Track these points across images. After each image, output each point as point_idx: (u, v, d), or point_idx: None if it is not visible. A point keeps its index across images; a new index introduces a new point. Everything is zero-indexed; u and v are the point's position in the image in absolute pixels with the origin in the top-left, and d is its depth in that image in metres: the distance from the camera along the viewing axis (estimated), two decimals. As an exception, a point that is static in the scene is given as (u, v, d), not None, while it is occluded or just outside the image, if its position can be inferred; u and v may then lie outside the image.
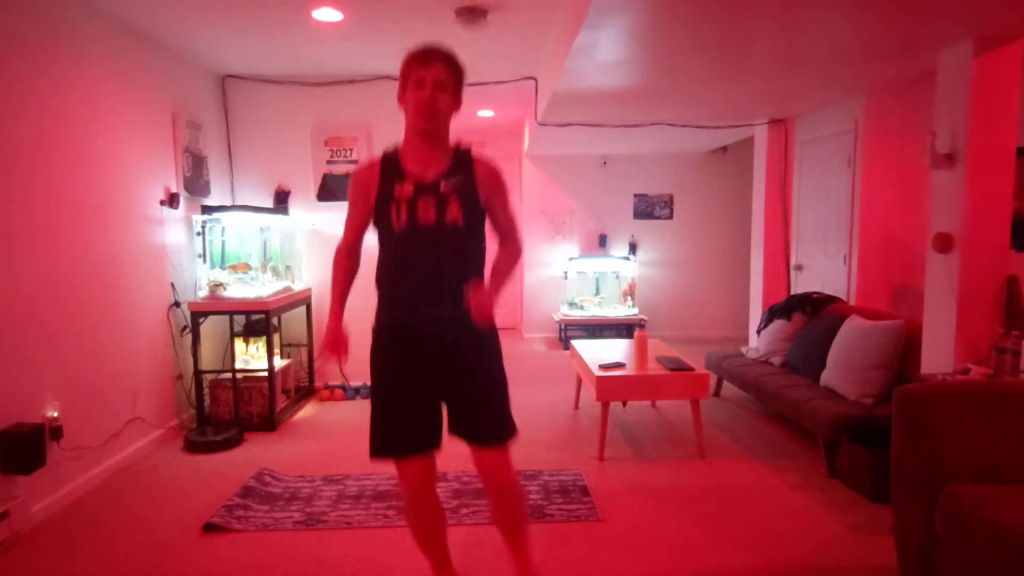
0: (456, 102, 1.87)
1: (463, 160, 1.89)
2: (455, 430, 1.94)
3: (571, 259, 6.99)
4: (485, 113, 6.09)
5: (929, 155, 3.15)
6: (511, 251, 1.99)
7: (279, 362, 4.35)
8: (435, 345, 1.87)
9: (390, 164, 1.87)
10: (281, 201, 4.77)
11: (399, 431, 1.90)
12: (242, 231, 4.43)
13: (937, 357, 3.23)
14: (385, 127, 4.75)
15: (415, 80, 1.79)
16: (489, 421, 1.92)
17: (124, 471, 3.34)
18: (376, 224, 1.89)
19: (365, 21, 3.53)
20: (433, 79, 1.78)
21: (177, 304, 3.97)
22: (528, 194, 7.11)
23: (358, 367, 4.93)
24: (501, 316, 7.80)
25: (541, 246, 7.16)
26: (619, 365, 3.63)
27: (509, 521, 2.03)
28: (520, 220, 6.90)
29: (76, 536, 2.65)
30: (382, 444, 1.92)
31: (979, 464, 1.99)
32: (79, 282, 3.10)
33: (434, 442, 1.93)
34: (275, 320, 4.31)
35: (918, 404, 2.07)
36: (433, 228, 1.82)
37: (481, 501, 2.88)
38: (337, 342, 1.96)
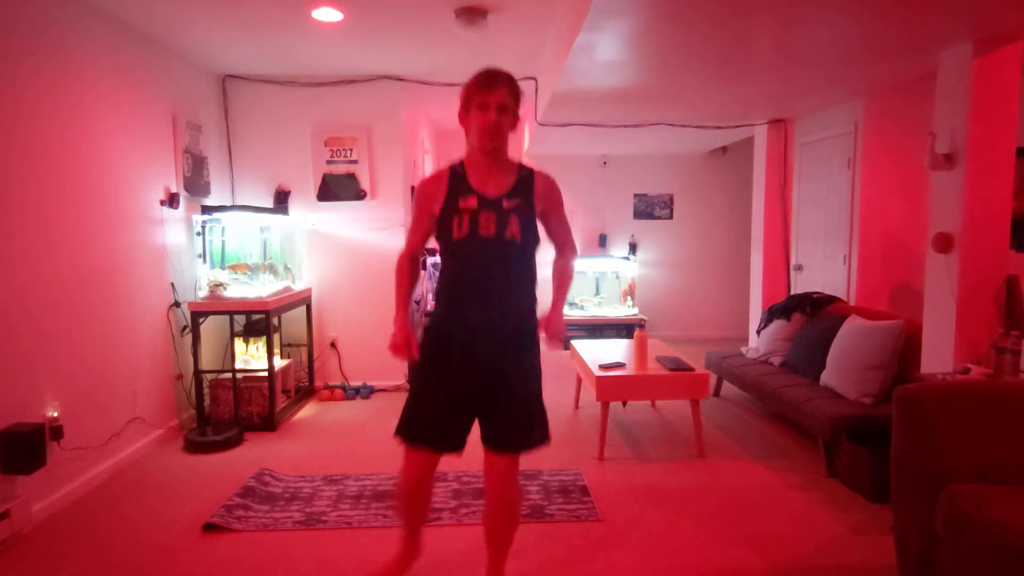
0: (516, 122, 2.01)
1: (525, 179, 2.02)
2: (486, 437, 2.02)
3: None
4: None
5: (929, 156, 3.16)
6: (569, 256, 2.19)
7: (279, 362, 4.35)
8: (483, 351, 1.96)
9: (456, 177, 2.00)
10: (281, 201, 4.77)
11: (428, 424, 2.01)
12: (242, 231, 4.43)
13: (937, 357, 3.23)
14: (385, 127, 4.75)
15: (479, 103, 1.92)
16: (520, 428, 2.00)
17: (124, 471, 3.34)
18: (439, 233, 2.00)
19: (365, 21, 3.53)
20: (497, 103, 1.91)
21: (177, 304, 3.97)
22: (528, 194, 7.10)
23: (358, 367, 4.94)
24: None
25: (541, 246, 7.15)
26: (619, 365, 3.63)
27: (504, 528, 2.10)
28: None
29: (76, 536, 2.65)
30: (408, 429, 2.03)
31: (979, 464, 2.00)
32: (79, 282, 3.11)
33: (454, 445, 2.02)
34: (275, 320, 4.32)
35: (918, 404, 2.07)
36: (492, 241, 1.94)
37: (480, 501, 2.88)
38: (407, 340, 2.03)
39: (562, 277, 2.16)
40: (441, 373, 1.99)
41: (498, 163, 2.00)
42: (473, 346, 1.96)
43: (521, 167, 2.05)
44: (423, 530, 2.25)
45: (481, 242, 1.93)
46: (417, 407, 2.02)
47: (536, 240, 2.03)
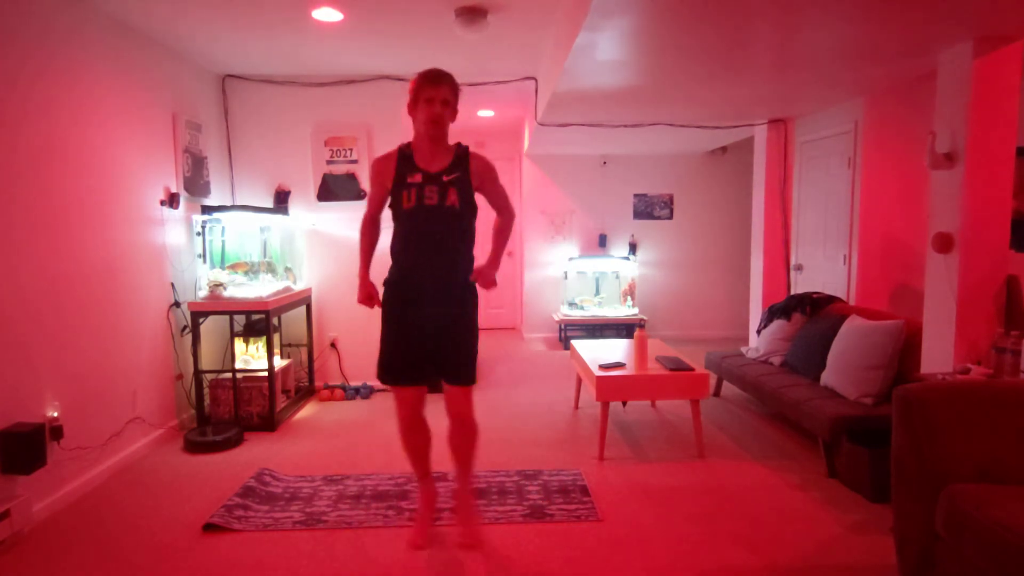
0: (454, 114, 2.44)
1: (462, 157, 2.44)
2: (439, 371, 2.45)
3: (571, 259, 6.99)
4: (485, 113, 6.10)
5: (929, 156, 3.15)
6: (507, 217, 2.58)
7: (279, 362, 4.35)
8: (430, 295, 2.41)
9: (404, 157, 2.42)
10: (281, 201, 4.77)
11: (397, 362, 2.45)
12: (242, 231, 4.43)
13: (937, 357, 3.23)
14: (385, 127, 4.75)
15: (426, 98, 2.34)
16: (464, 366, 2.44)
17: (124, 471, 3.34)
18: (391, 204, 2.43)
19: (365, 21, 3.53)
20: (441, 98, 2.34)
21: (177, 304, 3.97)
22: (528, 194, 7.11)
23: (358, 367, 4.94)
24: (501, 316, 7.80)
25: (541, 246, 7.16)
26: (619, 365, 3.63)
27: (463, 446, 2.54)
28: (520, 234, 7.11)
29: (76, 536, 2.65)
30: (384, 371, 2.47)
31: (979, 464, 2.00)
32: (79, 282, 3.11)
33: (423, 377, 2.47)
34: (275, 320, 4.32)
35: (918, 404, 2.07)
36: (435, 209, 2.35)
37: (481, 501, 2.89)
38: (370, 294, 2.52)
39: (499, 233, 2.57)
40: (399, 320, 2.43)
41: (440, 146, 2.42)
42: (421, 296, 2.40)
43: (459, 146, 2.46)
44: (431, 469, 2.66)
45: (426, 210, 2.35)
46: (386, 352, 2.46)
47: (472, 208, 2.44)
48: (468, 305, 2.46)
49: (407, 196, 2.35)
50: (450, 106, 2.38)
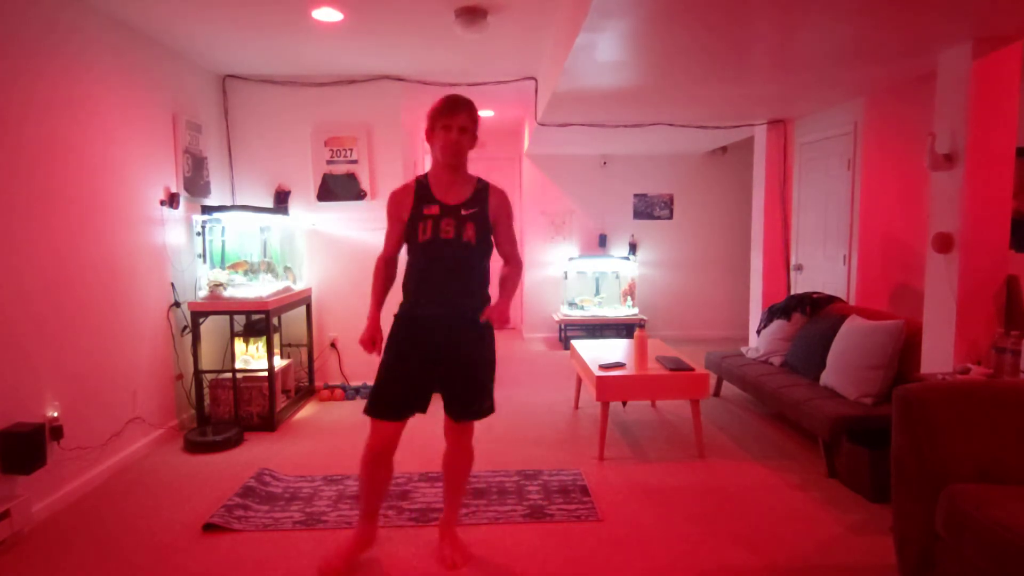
0: (473, 141, 2.31)
1: (481, 191, 2.34)
2: (447, 406, 2.36)
3: (571, 259, 6.99)
4: (485, 113, 6.10)
5: (929, 156, 3.16)
6: (514, 267, 2.43)
7: (279, 362, 4.35)
8: (442, 332, 2.30)
9: (422, 188, 2.33)
10: (281, 201, 4.77)
11: (391, 398, 2.29)
12: (242, 231, 4.43)
13: (937, 357, 3.23)
14: (385, 127, 4.75)
15: (443, 125, 2.25)
16: (475, 403, 2.35)
17: (124, 471, 3.34)
18: (407, 236, 2.32)
19: (365, 21, 3.53)
20: (459, 125, 2.24)
21: (177, 304, 3.97)
22: (528, 194, 7.11)
23: (358, 367, 4.94)
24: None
25: (541, 246, 7.16)
26: (619, 365, 3.63)
27: (458, 471, 2.46)
28: (520, 234, 7.02)
29: (76, 536, 2.65)
30: (375, 403, 2.30)
31: (979, 464, 2.00)
32: (79, 282, 3.11)
33: (411, 413, 2.32)
34: (275, 320, 4.32)
35: (918, 404, 2.07)
36: (451, 243, 2.26)
37: (481, 501, 2.89)
38: (373, 337, 2.39)
39: (505, 282, 2.40)
40: (405, 355, 2.30)
41: (458, 176, 2.33)
42: (433, 331, 2.29)
43: (479, 181, 2.37)
44: (378, 514, 2.49)
45: (442, 243, 2.26)
46: (385, 386, 2.29)
47: (489, 246, 2.35)
48: (483, 337, 2.36)
49: (423, 228, 2.26)
50: (468, 133, 2.27)
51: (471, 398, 2.34)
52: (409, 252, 2.34)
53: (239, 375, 4.06)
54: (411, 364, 2.29)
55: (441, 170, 2.31)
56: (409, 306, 2.34)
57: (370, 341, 2.37)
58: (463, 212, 2.27)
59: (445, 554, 2.40)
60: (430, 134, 2.29)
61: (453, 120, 2.23)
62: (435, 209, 2.27)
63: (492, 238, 2.36)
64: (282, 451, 3.63)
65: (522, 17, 3.47)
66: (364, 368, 4.92)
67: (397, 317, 2.36)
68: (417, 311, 2.31)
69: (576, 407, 4.45)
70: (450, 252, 2.26)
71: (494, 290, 2.36)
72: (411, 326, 2.31)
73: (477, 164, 4.94)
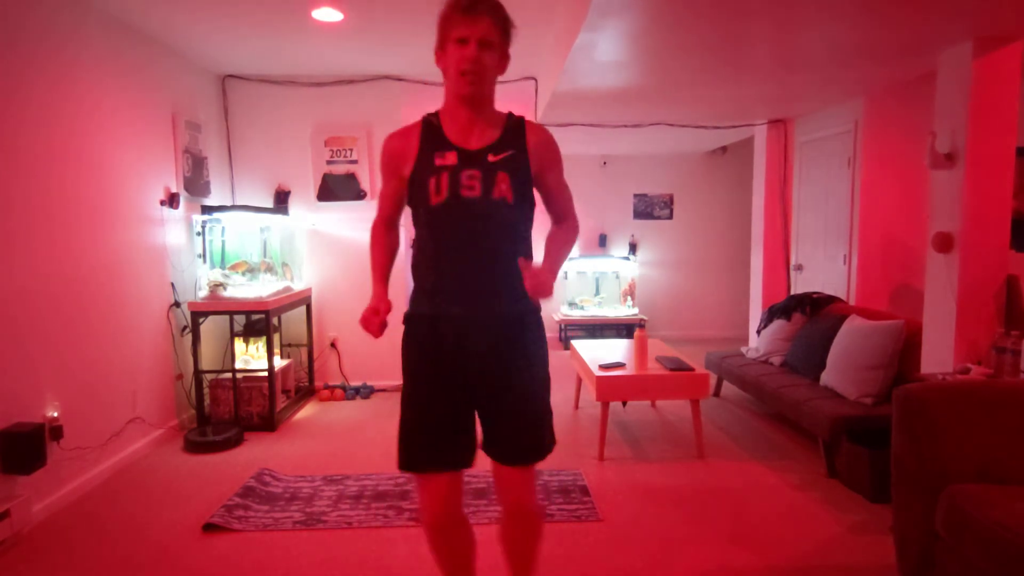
0: (503, 62, 1.63)
1: (515, 129, 1.66)
2: (487, 444, 1.70)
3: (571, 259, 6.99)
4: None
5: (929, 155, 3.15)
6: (568, 230, 1.78)
7: (279, 362, 4.35)
8: (477, 343, 1.62)
9: (430, 130, 1.65)
10: (281, 201, 4.77)
11: (427, 439, 1.66)
12: (242, 231, 4.43)
13: (937, 357, 3.23)
14: (385, 127, 4.75)
15: (457, 36, 1.56)
16: (528, 437, 1.67)
17: (124, 471, 3.34)
18: (411, 199, 1.65)
19: (365, 21, 3.53)
20: (479, 36, 1.54)
21: (177, 304, 3.97)
22: (528, 194, 7.10)
23: (358, 367, 4.94)
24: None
25: (541, 246, 7.14)
26: (619, 365, 3.63)
27: (523, 548, 1.79)
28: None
29: (76, 536, 2.65)
30: (408, 454, 1.68)
31: (979, 464, 1.99)
32: (79, 282, 3.10)
33: (465, 458, 1.69)
34: (275, 320, 4.31)
35: (918, 404, 2.07)
36: (478, 203, 1.57)
37: (481, 501, 2.88)
38: (376, 308, 1.63)
39: (554, 245, 1.75)
40: (431, 379, 1.65)
41: (481, 113, 1.64)
42: (465, 339, 1.61)
43: (510, 116, 1.69)
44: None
45: (465, 205, 1.57)
46: (415, 426, 1.67)
47: (530, 203, 1.69)
48: (532, 342, 1.68)
49: (435, 185, 1.58)
50: (494, 49, 1.58)
51: (525, 431, 1.66)
52: (416, 222, 1.66)
53: (239, 375, 4.05)
54: (440, 387, 1.64)
55: (457, 105, 1.63)
56: (423, 303, 1.66)
57: (373, 312, 1.62)
58: (491, 157, 1.60)
59: None
60: (440, 53, 1.63)
61: (472, 28, 1.54)
62: (451, 157, 1.60)
63: (536, 193, 1.71)
64: (282, 451, 3.63)
65: (522, 17, 3.47)
66: (364, 368, 4.92)
67: (408, 320, 1.69)
68: (437, 311, 1.63)
69: (576, 407, 4.45)
70: (477, 216, 1.58)
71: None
72: (431, 333, 1.64)
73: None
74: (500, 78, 1.65)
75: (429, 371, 1.65)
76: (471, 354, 1.62)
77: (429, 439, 1.66)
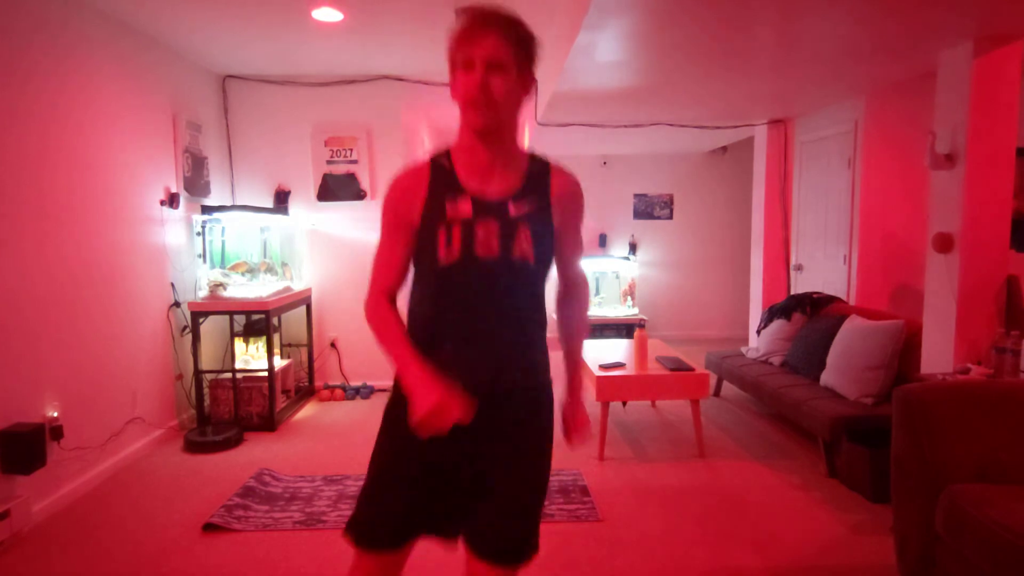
0: (524, 87, 1.36)
1: (539, 175, 1.40)
2: (467, 536, 1.41)
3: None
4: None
5: (929, 155, 3.15)
6: (580, 298, 1.57)
7: (279, 362, 4.35)
8: (480, 418, 1.32)
9: (440, 173, 1.36)
10: (281, 201, 4.77)
11: (387, 513, 1.42)
12: (242, 231, 4.43)
13: (937, 357, 3.23)
14: (385, 127, 4.75)
15: (462, 60, 1.30)
16: (519, 533, 1.38)
17: (124, 471, 3.34)
18: (416, 254, 1.38)
19: (365, 21, 3.53)
20: (485, 56, 1.28)
21: (177, 304, 3.97)
22: (528, 194, 7.11)
23: (358, 367, 4.94)
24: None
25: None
26: (619, 365, 3.63)
27: None
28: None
29: (76, 536, 2.65)
30: (363, 525, 1.44)
31: (979, 464, 1.99)
32: (79, 282, 3.10)
33: (415, 538, 1.45)
34: (275, 320, 4.31)
35: (918, 404, 2.07)
36: (495, 264, 1.32)
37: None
38: (444, 400, 1.24)
39: (574, 330, 1.56)
40: (411, 449, 1.38)
41: (501, 152, 1.36)
42: (471, 422, 1.30)
43: (533, 158, 1.43)
44: None
45: (479, 266, 1.32)
46: (378, 493, 1.43)
47: (551, 260, 1.43)
48: (545, 427, 1.46)
49: (445, 239, 1.31)
50: (507, 71, 1.30)
51: (521, 523, 1.38)
52: (420, 279, 1.40)
53: (239, 375, 4.05)
54: (420, 463, 1.39)
55: (471, 142, 1.36)
56: None
57: (442, 408, 1.22)
58: (512, 211, 1.34)
59: None
60: (452, 83, 1.34)
61: (477, 47, 1.28)
62: (466, 207, 1.33)
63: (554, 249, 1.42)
64: (282, 451, 3.63)
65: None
66: (364, 368, 4.92)
67: (396, 389, 1.42)
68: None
69: (576, 407, 4.44)
70: (494, 280, 1.33)
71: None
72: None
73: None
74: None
75: (413, 446, 1.37)
76: (474, 436, 1.35)
77: (391, 515, 1.41)
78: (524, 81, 1.37)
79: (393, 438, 1.44)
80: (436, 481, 1.40)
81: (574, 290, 1.56)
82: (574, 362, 1.59)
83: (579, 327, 1.57)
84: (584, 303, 1.58)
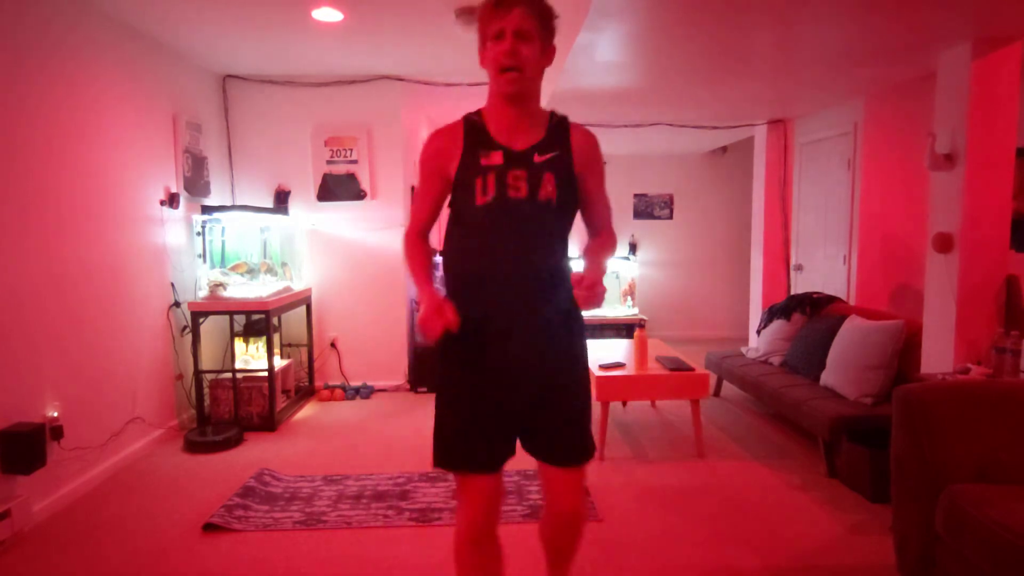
0: (546, 55, 1.61)
1: (560, 128, 1.66)
2: (534, 448, 1.67)
3: (571, 259, 6.98)
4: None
5: (929, 156, 3.16)
6: (607, 241, 1.78)
7: (279, 362, 4.35)
8: (520, 343, 1.59)
9: (475, 130, 1.63)
10: (281, 201, 4.77)
11: (470, 437, 1.62)
12: (242, 231, 4.43)
13: (937, 357, 3.23)
14: (385, 127, 4.75)
15: (493, 32, 1.54)
16: (577, 439, 1.66)
17: (124, 471, 3.34)
18: (454, 200, 1.63)
19: (365, 21, 3.53)
20: (514, 28, 1.52)
21: (177, 304, 3.97)
22: (528, 194, 7.11)
23: (358, 367, 4.94)
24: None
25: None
26: (619, 365, 3.63)
27: (568, 550, 1.79)
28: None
29: (76, 535, 2.65)
30: (448, 450, 1.64)
31: (979, 464, 2.00)
32: (79, 282, 3.10)
33: (504, 457, 1.66)
34: (275, 320, 4.32)
35: (918, 404, 2.07)
36: (524, 204, 1.57)
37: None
38: (438, 306, 1.49)
39: (597, 251, 1.75)
40: (474, 375, 1.61)
41: (526, 112, 1.62)
42: (508, 338, 1.59)
43: (553, 114, 1.68)
44: None
45: (511, 206, 1.56)
46: (453, 422, 1.63)
47: (574, 204, 1.69)
48: (576, 345, 1.71)
49: (482, 185, 1.56)
50: (533, 40, 1.54)
51: (576, 430, 1.66)
52: (456, 222, 1.65)
53: (239, 375, 4.05)
54: (484, 386, 1.61)
55: (500, 103, 1.61)
56: (465, 302, 1.58)
57: (437, 311, 1.48)
58: (537, 158, 1.59)
59: None
60: (482, 53, 1.60)
61: (506, 19, 1.52)
62: (498, 156, 1.58)
63: (578, 195, 1.69)
64: (282, 451, 3.63)
65: None
66: (364, 368, 4.92)
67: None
68: (479, 309, 1.59)
69: (576, 407, 4.44)
70: (524, 216, 1.58)
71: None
72: (474, 333, 1.59)
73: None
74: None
75: (472, 373, 1.62)
76: (516, 356, 1.60)
77: (472, 438, 1.62)
78: (546, 50, 1.61)
79: (450, 374, 1.66)
80: (500, 403, 1.61)
81: (601, 234, 1.77)
82: (592, 260, 1.73)
83: (601, 250, 1.75)
84: (608, 242, 1.78)
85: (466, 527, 1.65)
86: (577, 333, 1.72)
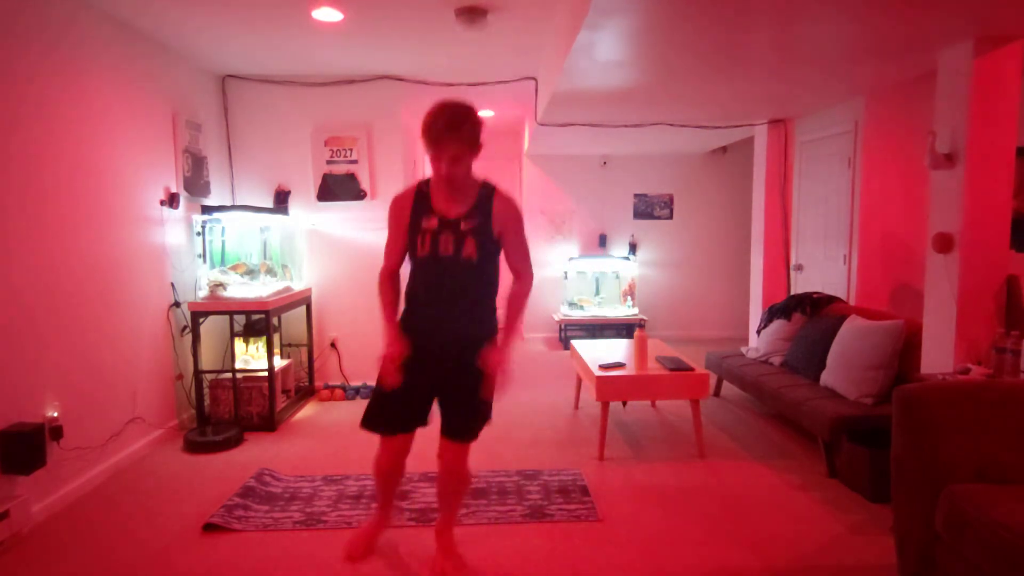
0: (473, 155, 2.09)
1: (484, 200, 2.15)
2: (442, 425, 2.24)
3: (571, 259, 6.99)
4: (485, 113, 6.09)
5: (929, 155, 3.15)
6: (524, 284, 2.25)
7: (279, 362, 4.35)
8: (441, 353, 2.19)
9: (421, 197, 2.17)
10: (281, 201, 4.77)
11: (391, 413, 2.25)
12: (242, 231, 4.43)
13: (937, 357, 3.23)
14: (385, 127, 4.75)
15: (432, 155, 2.04)
16: (466, 424, 2.23)
17: (124, 471, 3.34)
18: (408, 248, 2.20)
19: (365, 21, 3.53)
20: (448, 157, 2.02)
21: (177, 304, 3.97)
22: (528, 194, 7.11)
23: (358, 367, 4.94)
24: (500, 316, 7.78)
25: (541, 246, 7.15)
26: (619, 365, 3.63)
27: (452, 494, 2.36)
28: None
29: (76, 536, 2.65)
30: (374, 420, 2.27)
31: (979, 464, 2.00)
32: (79, 282, 3.10)
33: (416, 425, 2.28)
34: (275, 320, 4.31)
35: (918, 404, 2.07)
36: (451, 260, 2.11)
37: (480, 501, 2.89)
38: (400, 352, 2.16)
39: (512, 306, 2.25)
40: (406, 368, 2.17)
41: (459, 188, 2.13)
42: (436, 348, 2.18)
43: (484, 186, 2.18)
44: (393, 502, 2.55)
45: (440, 260, 2.11)
46: (381, 399, 2.24)
47: (493, 259, 2.19)
48: (479, 360, 2.20)
49: (421, 242, 2.12)
50: (462, 160, 2.05)
51: (467, 419, 2.23)
52: (411, 264, 2.23)
53: (239, 375, 4.05)
54: (408, 379, 2.17)
55: (440, 182, 2.13)
56: (409, 320, 2.23)
57: (391, 361, 2.14)
58: (463, 226, 2.10)
59: (437, 563, 2.33)
60: (426, 152, 2.08)
61: (441, 151, 2.01)
62: (433, 222, 2.12)
63: (500, 252, 2.21)
64: (282, 451, 3.63)
65: (522, 17, 3.47)
66: (364, 368, 4.92)
67: (399, 323, 2.26)
68: (416, 325, 2.21)
69: (576, 407, 4.45)
70: (450, 270, 2.12)
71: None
72: (412, 339, 2.20)
73: (476, 165, 4.94)
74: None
75: (406, 368, 2.17)
76: (439, 359, 2.19)
77: (393, 413, 2.24)
78: (474, 149, 2.09)
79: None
80: (420, 392, 2.23)
81: (518, 278, 2.26)
82: (508, 320, 2.24)
83: (516, 300, 2.26)
84: (522, 291, 2.26)
85: (380, 465, 2.32)
86: (482, 353, 2.17)
